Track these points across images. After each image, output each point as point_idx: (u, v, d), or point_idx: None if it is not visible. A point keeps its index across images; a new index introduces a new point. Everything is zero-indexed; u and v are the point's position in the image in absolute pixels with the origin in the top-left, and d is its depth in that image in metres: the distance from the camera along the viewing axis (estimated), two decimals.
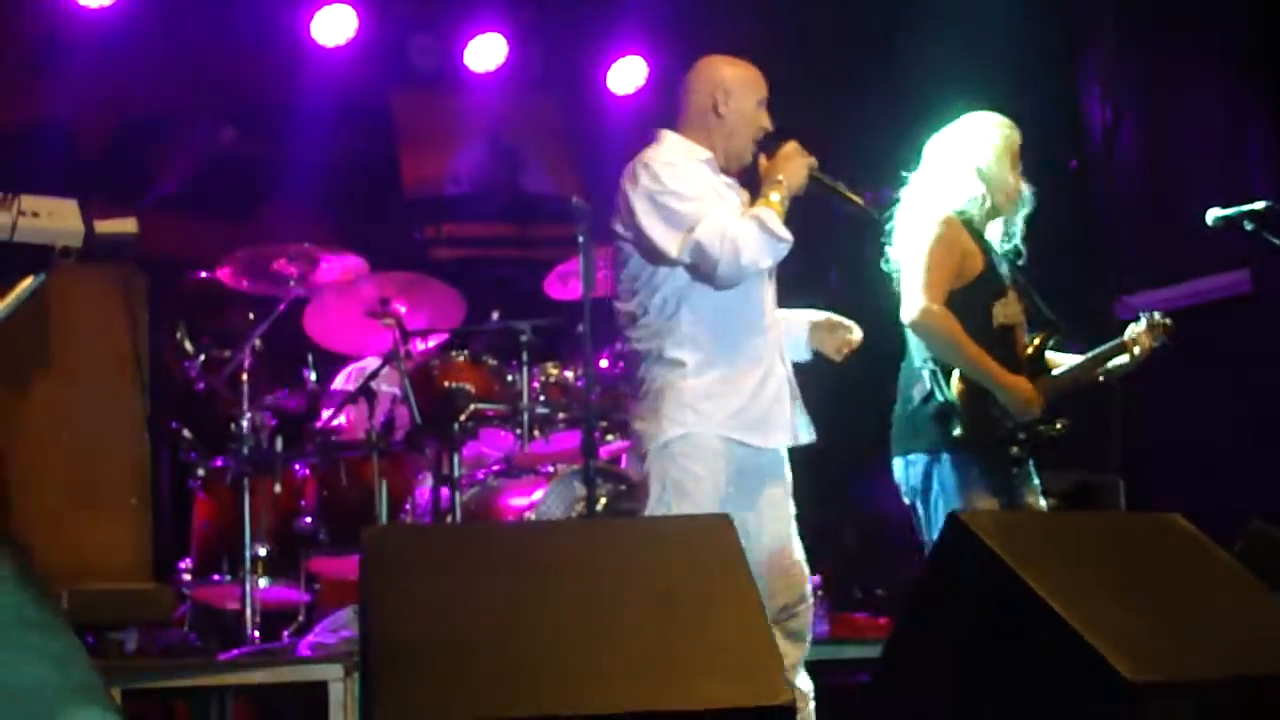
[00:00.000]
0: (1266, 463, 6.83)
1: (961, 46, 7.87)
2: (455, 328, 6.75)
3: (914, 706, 3.57)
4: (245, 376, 6.42)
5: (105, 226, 5.22)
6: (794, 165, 4.56)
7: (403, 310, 6.50)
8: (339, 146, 8.27)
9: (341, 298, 6.53)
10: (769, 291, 4.69)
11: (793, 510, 4.69)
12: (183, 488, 6.74)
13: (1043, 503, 5.23)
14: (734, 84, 4.67)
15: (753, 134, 4.66)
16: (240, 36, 8.02)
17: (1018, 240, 5.38)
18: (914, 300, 5.02)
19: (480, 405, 6.26)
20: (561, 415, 6.43)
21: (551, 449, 6.53)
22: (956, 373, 5.06)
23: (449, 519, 6.04)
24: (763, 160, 4.63)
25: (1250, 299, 7.44)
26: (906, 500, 5.15)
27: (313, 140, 7.95)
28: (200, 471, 6.54)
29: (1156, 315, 5.37)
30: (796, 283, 4.89)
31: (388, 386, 6.46)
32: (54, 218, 5.01)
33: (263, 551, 6.29)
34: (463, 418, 6.14)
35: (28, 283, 4.96)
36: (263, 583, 6.28)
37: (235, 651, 5.93)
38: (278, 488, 6.37)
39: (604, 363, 6.66)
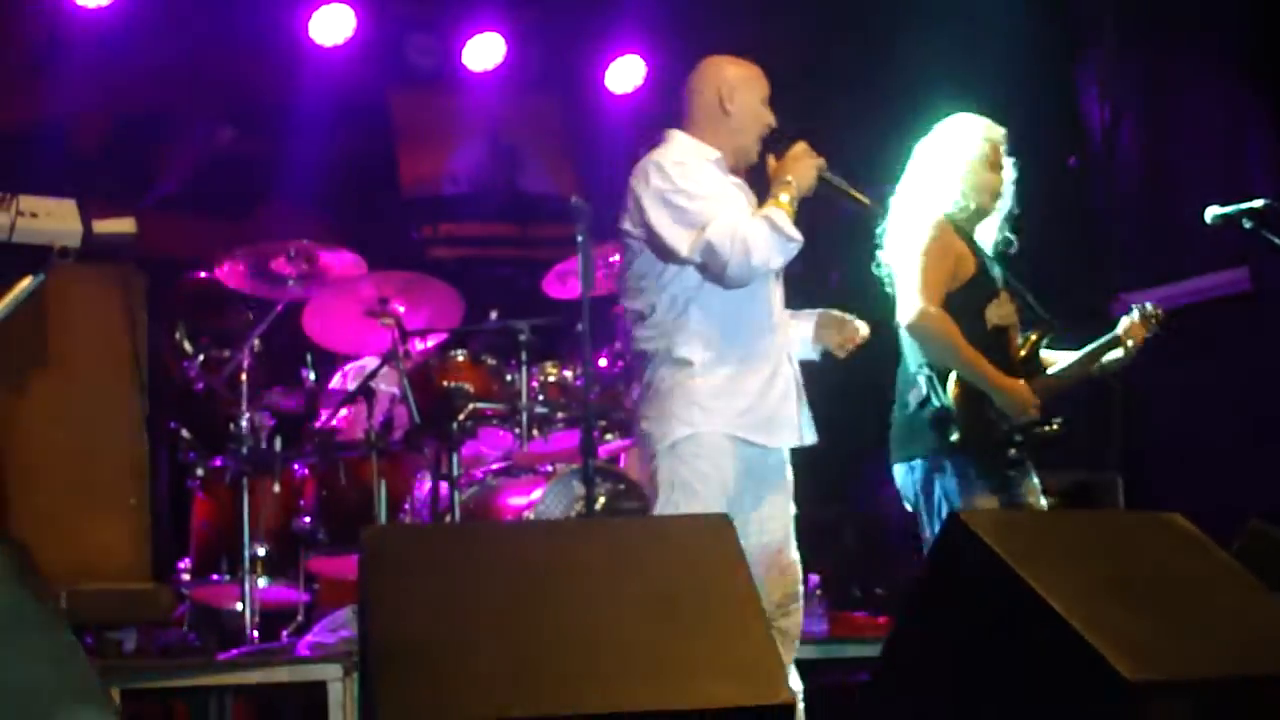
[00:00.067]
0: (1265, 461, 6.83)
1: (961, 46, 7.87)
2: (454, 327, 6.75)
3: (913, 706, 3.57)
4: (244, 376, 6.42)
5: (103, 226, 5.23)
6: (803, 166, 4.58)
7: (401, 310, 6.50)
8: (337, 146, 8.27)
9: (340, 297, 6.53)
10: (776, 292, 4.70)
11: (793, 510, 4.69)
12: (181, 487, 6.74)
13: (1043, 502, 5.23)
14: (738, 82, 4.70)
15: (759, 131, 4.68)
16: (238, 36, 8.02)
17: (1008, 233, 5.38)
18: (911, 303, 5.03)
19: (479, 405, 6.27)
20: (560, 415, 6.43)
21: (550, 448, 6.53)
22: (953, 376, 5.07)
23: (448, 518, 6.04)
24: (772, 161, 4.65)
25: (1249, 297, 7.44)
26: (909, 507, 5.16)
27: (311, 140, 7.95)
28: (199, 471, 6.54)
29: (1148, 306, 5.37)
30: (797, 283, 4.89)
31: (386, 386, 6.46)
32: (52, 218, 5.02)
33: (262, 551, 6.29)
34: (461, 417, 6.14)
35: (26, 283, 4.97)
36: (262, 582, 6.28)
37: (234, 651, 5.93)
38: (276, 487, 6.38)
39: (603, 362, 6.66)
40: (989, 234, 5.39)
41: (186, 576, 6.50)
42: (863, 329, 4.83)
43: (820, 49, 8.17)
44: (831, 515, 7.52)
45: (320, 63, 8.12)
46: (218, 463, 6.47)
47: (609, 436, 6.66)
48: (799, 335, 4.82)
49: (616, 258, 6.55)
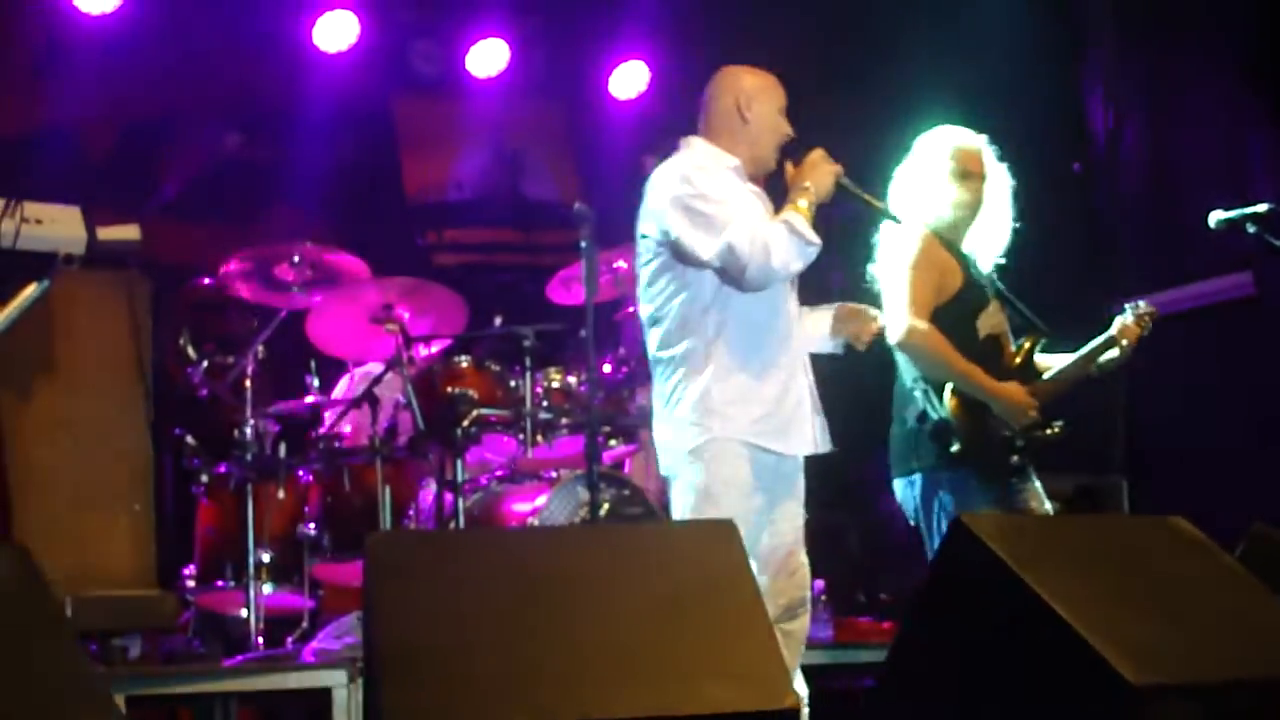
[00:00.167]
0: (1269, 465, 6.83)
1: (965, 52, 7.88)
2: (458, 333, 6.75)
3: (918, 711, 3.57)
4: (248, 382, 6.42)
5: (108, 233, 5.24)
6: (820, 172, 4.60)
7: (405, 316, 6.50)
8: (341, 152, 8.28)
9: (344, 303, 6.53)
10: (792, 300, 4.71)
11: (803, 516, 4.70)
12: (186, 494, 6.74)
13: (1047, 505, 5.24)
14: (756, 91, 4.73)
15: (776, 140, 4.71)
16: (243, 43, 8.03)
17: (1003, 240, 5.40)
18: (899, 320, 5.04)
19: (483, 411, 6.27)
20: (564, 420, 6.43)
21: (555, 454, 6.53)
22: (948, 389, 5.08)
23: (452, 525, 6.04)
24: (789, 167, 4.67)
25: (1253, 301, 7.44)
26: (911, 521, 5.18)
27: (315, 146, 7.96)
28: (204, 478, 6.54)
29: (1141, 304, 5.38)
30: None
31: (390, 392, 6.47)
32: (57, 225, 5.04)
33: (266, 558, 6.29)
34: (466, 423, 6.15)
35: (31, 290, 4.98)
36: (266, 589, 6.28)
37: (239, 658, 5.93)
38: (281, 494, 6.38)
39: (607, 368, 6.67)
40: (983, 242, 5.41)
41: (191, 583, 6.50)
42: (880, 319, 4.84)
43: (822, 54, 8.18)
44: (836, 521, 7.52)
45: (324, 69, 8.13)
46: (222, 469, 6.47)
47: (613, 442, 6.66)
48: (818, 330, 4.83)
49: (621, 263, 6.61)
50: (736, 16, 8.19)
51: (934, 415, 5.08)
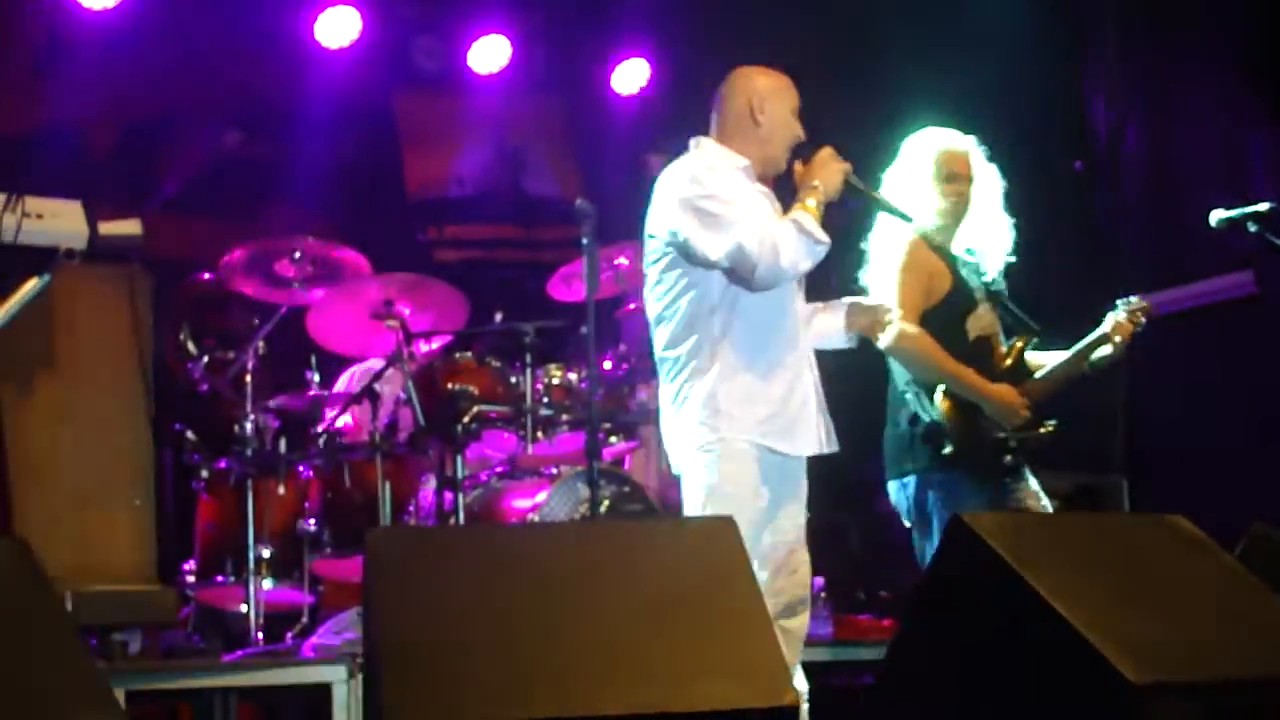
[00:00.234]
0: (1269, 464, 6.83)
1: (965, 50, 7.87)
2: (459, 329, 6.75)
3: (917, 709, 3.57)
4: (249, 378, 6.43)
5: (109, 228, 5.24)
6: (829, 171, 4.60)
7: (406, 312, 6.50)
8: (343, 149, 8.27)
9: (345, 299, 6.54)
10: (799, 301, 4.71)
11: (805, 515, 4.70)
12: (186, 489, 6.74)
13: (1044, 502, 5.24)
14: (769, 93, 4.72)
15: (788, 142, 4.69)
16: (244, 39, 8.03)
17: (1001, 241, 5.40)
18: (889, 325, 5.05)
19: (484, 407, 6.27)
20: (565, 417, 6.44)
21: (555, 451, 6.53)
22: (940, 391, 5.10)
23: (452, 521, 6.04)
24: (798, 166, 4.66)
25: (1254, 300, 7.44)
26: (906, 522, 5.19)
27: (316, 142, 7.96)
28: (204, 473, 6.54)
29: (1134, 300, 5.38)
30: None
31: (391, 388, 6.47)
32: (58, 220, 5.04)
33: (266, 553, 6.29)
34: (466, 419, 6.15)
35: (33, 284, 4.98)
36: (266, 584, 6.28)
37: (239, 653, 5.94)
38: (281, 489, 6.38)
39: (607, 364, 6.67)
40: (978, 243, 5.41)
41: (191, 578, 6.51)
42: (894, 312, 4.83)
43: (823, 52, 8.16)
44: (836, 519, 7.52)
45: (325, 65, 8.13)
46: (222, 464, 6.47)
47: (613, 439, 6.67)
48: (831, 326, 4.83)
49: (622, 260, 6.61)
50: (738, 13, 8.19)
51: (925, 418, 5.10)
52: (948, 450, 5.05)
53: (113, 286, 6.66)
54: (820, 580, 6.48)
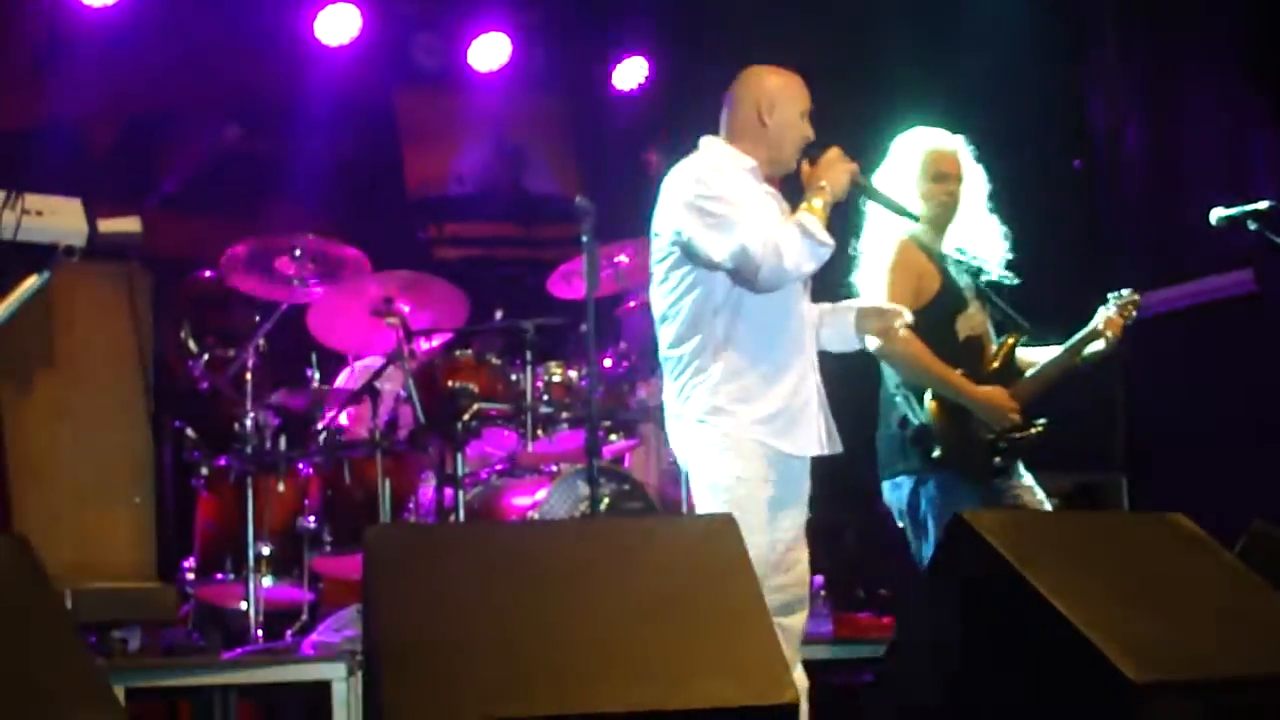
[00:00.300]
0: (1269, 462, 6.83)
1: (965, 49, 7.87)
2: (459, 327, 6.75)
3: (917, 706, 3.57)
4: (249, 375, 6.42)
5: (109, 225, 5.23)
6: (837, 171, 4.59)
7: (406, 310, 6.50)
8: (343, 146, 8.27)
9: (345, 297, 6.53)
10: (804, 302, 4.71)
11: (806, 514, 4.70)
12: (186, 487, 6.74)
13: (1039, 496, 5.25)
14: (778, 94, 4.70)
15: (796, 145, 4.68)
16: (244, 36, 8.02)
17: (993, 238, 5.40)
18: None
19: (484, 404, 6.27)
20: (565, 415, 6.44)
21: (555, 448, 6.53)
22: (929, 393, 5.11)
23: (452, 518, 6.04)
24: (805, 166, 4.66)
25: (1254, 298, 7.44)
26: (899, 523, 5.20)
27: (316, 139, 7.96)
28: (204, 470, 6.54)
29: (1124, 293, 5.39)
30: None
31: (391, 386, 6.47)
32: (58, 216, 5.02)
33: (266, 550, 6.28)
34: (466, 417, 6.15)
35: (32, 281, 4.97)
36: (266, 582, 6.28)
37: (238, 650, 5.94)
38: (281, 487, 6.38)
39: (607, 362, 6.67)
40: (969, 242, 5.41)
41: (191, 575, 6.50)
42: (906, 315, 4.82)
43: (823, 51, 8.17)
44: (836, 517, 7.51)
45: (326, 62, 8.13)
46: (222, 462, 6.47)
47: (613, 437, 6.67)
48: (840, 328, 4.82)
49: (623, 258, 6.61)
50: (738, 11, 8.18)
51: (915, 421, 5.12)
52: (936, 453, 5.07)
53: (112, 284, 6.66)
54: (820, 578, 6.48)
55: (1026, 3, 8.14)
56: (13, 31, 7.67)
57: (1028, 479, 5.26)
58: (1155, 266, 7.71)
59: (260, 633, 6.08)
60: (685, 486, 5.51)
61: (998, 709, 3.40)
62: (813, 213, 4.50)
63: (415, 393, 6.19)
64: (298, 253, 6.48)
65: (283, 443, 6.48)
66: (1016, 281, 5.41)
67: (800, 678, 4.44)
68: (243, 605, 6.21)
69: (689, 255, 4.54)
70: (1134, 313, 5.36)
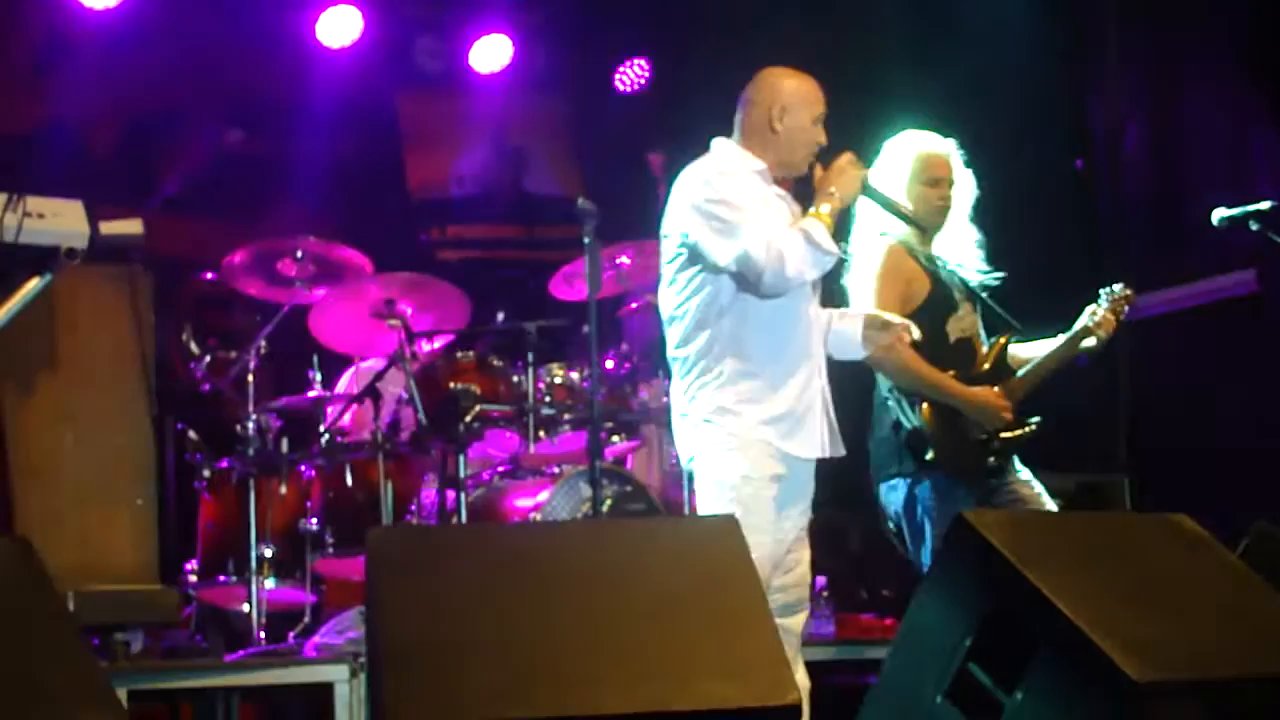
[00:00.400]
0: (1272, 462, 6.82)
1: (965, 49, 7.87)
2: (461, 329, 6.75)
3: (920, 707, 3.57)
4: (251, 377, 6.42)
5: (110, 228, 5.22)
6: (847, 177, 4.60)
7: (408, 311, 6.50)
8: (344, 148, 8.28)
9: (347, 299, 6.53)
10: (813, 304, 4.71)
11: (809, 516, 4.70)
12: (188, 489, 6.74)
13: (1040, 492, 5.25)
14: (792, 99, 4.68)
15: (807, 150, 4.67)
16: (246, 38, 8.03)
17: (977, 240, 5.41)
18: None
19: (486, 406, 6.27)
20: (567, 416, 6.44)
21: (557, 450, 6.53)
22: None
23: (454, 520, 6.04)
24: (817, 170, 4.65)
25: (1256, 298, 7.44)
26: (892, 526, 5.21)
27: (318, 142, 7.96)
28: (206, 472, 6.54)
29: (1116, 289, 5.39)
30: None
31: (393, 388, 6.47)
32: (59, 219, 5.02)
33: (268, 553, 6.28)
34: (468, 419, 6.14)
35: (34, 284, 4.97)
36: (268, 584, 6.28)
37: (241, 653, 5.93)
38: (283, 489, 6.38)
39: (609, 364, 6.67)
40: (957, 246, 5.41)
41: (193, 578, 6.50)
42: (913, 329, 4.82)
43: (823, 52, 8.16)
44: (838, 518, 7.51)
45: (327, 65, 8.13)
46: (224, 464, 6.47)
47: (616, 438, 6.67)
48: (848, 336, 4.82)
49: (624, 259, 6.62)
50: (738, 13, 8.18)
51: (907, 424, 5.13)
52: (930, 455, 5.08)
53: (114, 286, 6.64)
54: (822, 579, 6.49)
55: (1026, 3, 8.13)
56: (14, 34, 7.67)
57: (1025, 474, 5.27)
58: (1156, 267, 7.71)
59: (262, 635, 6.08)
60: (688, 488, 5.51)
61: (999, 709, 3.40)
62: (819, 219, 4.50)
63: (417, 394, 6.19)
64: (299, 255, 6.49)
65: (285, 445, 6.48)
66: (998, 282, 5.41)
67: (802, 679, 4.44)
68: (245, 607, 6.21)
69: (695, 258, 4.55)
70: (1127, 308, 5.37)
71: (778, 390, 4.53)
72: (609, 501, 6.04)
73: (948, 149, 5.37)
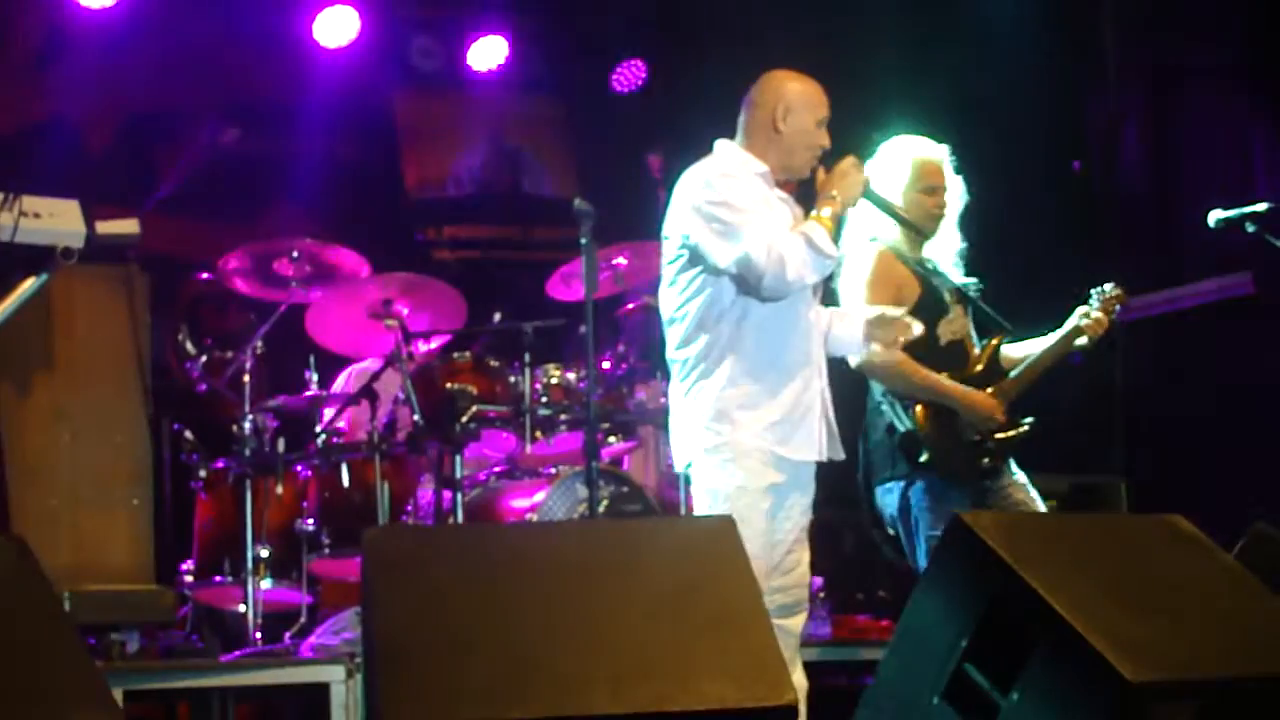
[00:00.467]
0: (1268, 464, 6.83)
1: (965, 50, 7.87)
2: (457, 329, 6.75)
3: (916, 708, 3.57)
4: (247, 378, 6.41)
5: (107, 227, 5.22)
6: (849, 181, 4.60)
7: (405, 312, 6.49)
8: (341, 148, 8.28)
9: (343, 299, 6.53)
10: (813, 307, 4.71)
11: (808, 518, 4.70)
12: (184, 489, 6.74)
13: (1034, 494, 5.26)
14: (796, 101, 4.68)
15: (810, 153, 4.67)
16: (243, 37, 8.03)
17: (962, 245, 5.42)
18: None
19: (482, 407, 6.26)
20: (563, 417, 6.43)
21: (553, 450, 6.53)
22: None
23: (451, 521, 6.04)
24: (820, 173, 4.65)
25: (1252, 300, 7.45)
26: (889, 529, 5.21)
27: (315, 142, 7.96)
28: (202, 473, 6.53)
29: (1108, 288, 5.40)
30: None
31: (389, 388, 6.46)
32: (56, 218, 5.01)
33: (264, 553, 6.27)
34: (464, 419, 6.13)
35: (29, 284, 4.96)
36: (264, 584, 6.27)
37: (237, 653, 5.93)
38: (279, 489, 6.37)
39: (606, 364, 6.67)
40: (946, 251, 5.42)
41: (189, 578, 6.49)
42: (916, 327, 4.82)
43: (822, 53, 8.16)
44: (834, 519, 7.51)
45: (324, 65, 8.13)
46: (220, 464, 6.47)
47: (612, 439, 6.66)
48: (848, 335, 4.82)
49: (621, 260, 6.61)
50: (737, 13, 8.18)
51: (901, 427, 5.13)
52: (924, 458, 5.08)
53: (110, 286, 6.64)
54: (819, 580, 6.48)
55: (1026, 3, 8.14)
56: (11, 32, 7.67)
57: (1019, 476, 5.28)
58: (1154, 268, 7.72)
59: (259, 635, 6.08)
60: (684, 489, 5.51)
61: (996, 710, 3.40)
62: (820, 223, 4.49)
63: (414, 395, 6.18)
64: (296, 255, 6.48)
65: (281, 445, 6.47)
66: (974, 286, 5.42)
67: (800, 679, 4.44)
68: (241, 608, 6.20)
69: (696, 259, 4.55)
70: (1118, 308, 5.37)
71: (776, 394, 4.53)
72: (605, 502, 6.04)
73: (941, 155, 5.37)
